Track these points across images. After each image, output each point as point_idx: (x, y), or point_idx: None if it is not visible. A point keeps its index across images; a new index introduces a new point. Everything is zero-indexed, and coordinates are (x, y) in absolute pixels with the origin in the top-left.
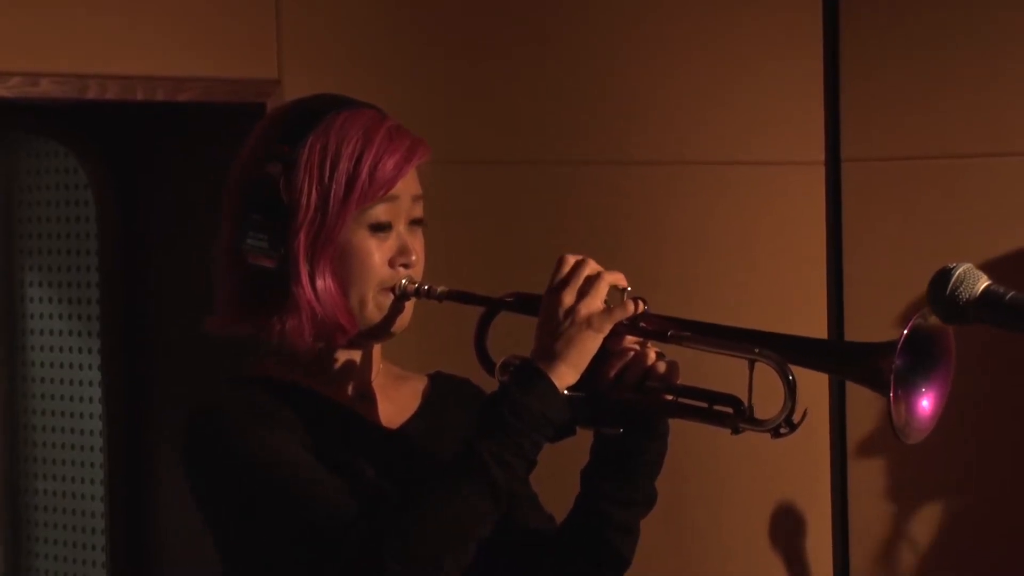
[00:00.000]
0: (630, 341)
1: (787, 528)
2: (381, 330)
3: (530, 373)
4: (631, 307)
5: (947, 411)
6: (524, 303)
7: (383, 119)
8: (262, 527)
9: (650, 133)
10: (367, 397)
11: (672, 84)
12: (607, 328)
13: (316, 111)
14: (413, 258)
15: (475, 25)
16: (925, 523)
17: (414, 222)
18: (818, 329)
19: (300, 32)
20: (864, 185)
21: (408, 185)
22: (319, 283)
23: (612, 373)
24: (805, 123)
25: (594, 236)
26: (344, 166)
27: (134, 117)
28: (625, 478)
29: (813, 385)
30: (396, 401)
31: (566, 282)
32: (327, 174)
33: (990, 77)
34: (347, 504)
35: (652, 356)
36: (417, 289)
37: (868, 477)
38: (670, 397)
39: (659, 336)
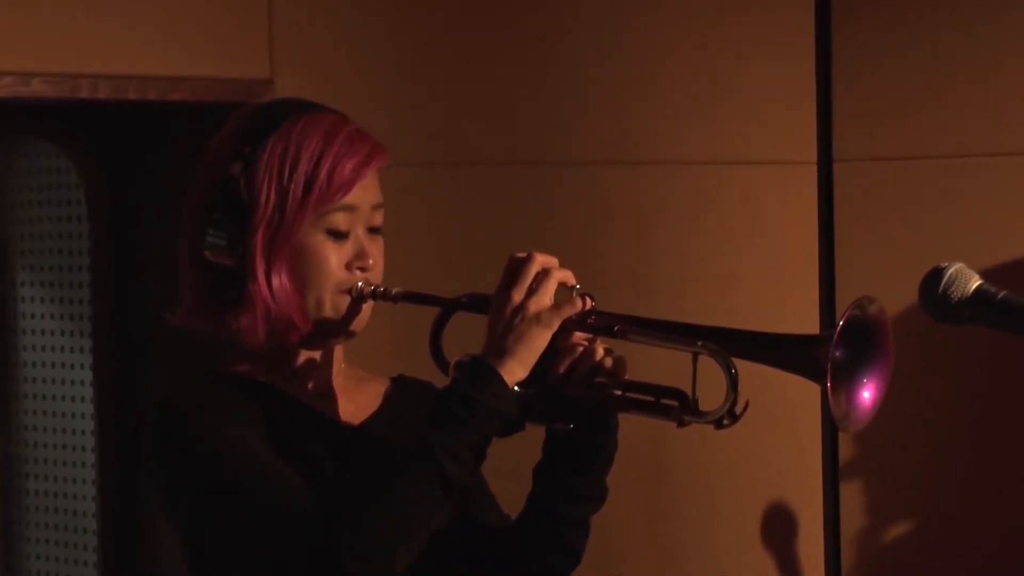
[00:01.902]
0: (579, 337)
1: (779, 529)
2: (339, 331)
3: (480, 369)
4: (579, 303)
5: (941, 412)
6: (478, 303)
7: (345, 123)
8: (222, 520)
9: (641, 133)
10: (328, 396)
11: (663, 84)
12: (556, 324)
13: (279, 113)
14: (370, 262)
15: (467, 26)
16: (917, 525)
17: (373, 229)
18: (810, 329)
19: (292, 32)
20: (856, 185)
21: (368, 194)
22: (275, 281)
23: (561, 369)
24: (797, 123)
25: (585, 238)
26: (303, 167)
27: (127, 117)
28: (578, 473)
29: (805, 386)
30: (357, 401)
31: (515, 280)
32: (286, 175)
33: (982, 77)
34: (306, 499)
35: (600, 352)
36: (373, 291)
37: (860, 478)
38: (618, 392)
39: (606, 332)
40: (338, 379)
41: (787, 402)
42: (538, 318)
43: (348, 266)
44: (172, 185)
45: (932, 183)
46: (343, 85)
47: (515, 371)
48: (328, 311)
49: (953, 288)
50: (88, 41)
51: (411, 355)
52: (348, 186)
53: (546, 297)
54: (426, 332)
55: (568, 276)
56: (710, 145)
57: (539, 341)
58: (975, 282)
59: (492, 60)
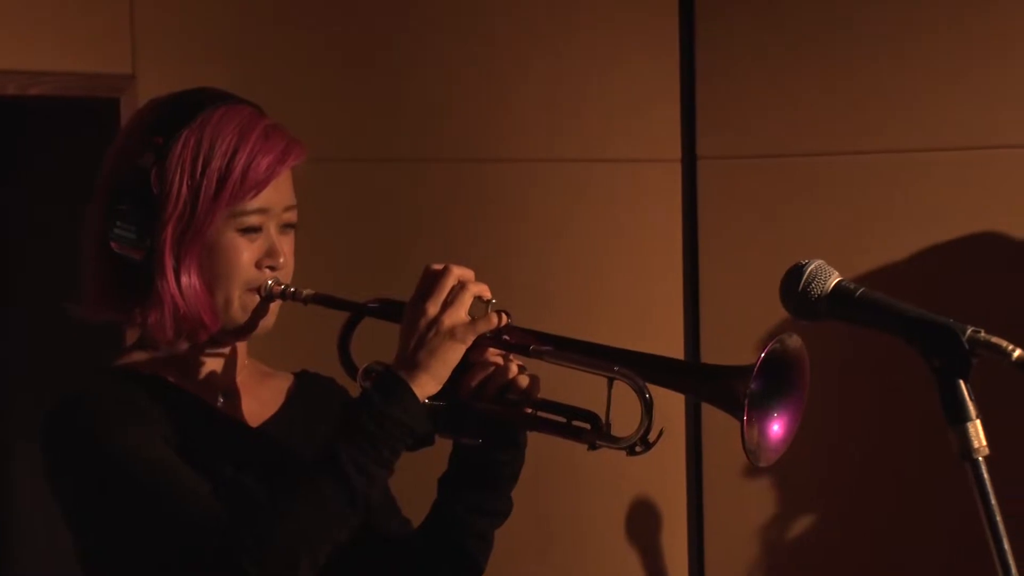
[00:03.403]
0: (492, 353)
1: (643, 523)
2: (245, 330)
3: (392, 382)
4: (494, 320)
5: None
6: (388, 310)
7: (260, 117)
8: (123, 527)
9: (508, 130)
10: (231, 394)
11: (530, 82)
12: (470, 340)
13: (193, 104)
14: (281, 260)
15: (329, 23)
16: (778, 517)
17: (285, 226)
18: (674, 324)
19: (154, 27)
20: (719, 182)
21: (281, 195)
22: (184, 279)
23: (473, 383)
24: (661, 121)
25: (451, 234)
26: (217, 163)
27: None
28: (484, 488)
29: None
30: (260, 398)
31: (430, 292)
32: (199, 170)
33: (843, 77)
34: (209, 506)
35: (514, 369)
36: (283, 291)
37: (723, 471)
38: (530, 410)
39: (521, 350)
40: (241, 376)
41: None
42: (452, 332)
43: (258, 264)
44: (32, 179)
45: (794, 181)
46: (206, 81)
47: (427, 386)
48: (236, 310)
49: (813, 285)
50: None
51: (319, 352)
52: (262, 184)
53: (461, 311)
54: (335, 330)
55: (484, 290)
56: (576, 142)
57: (452, 356)
58: (834, 279)
59: (356, 57)
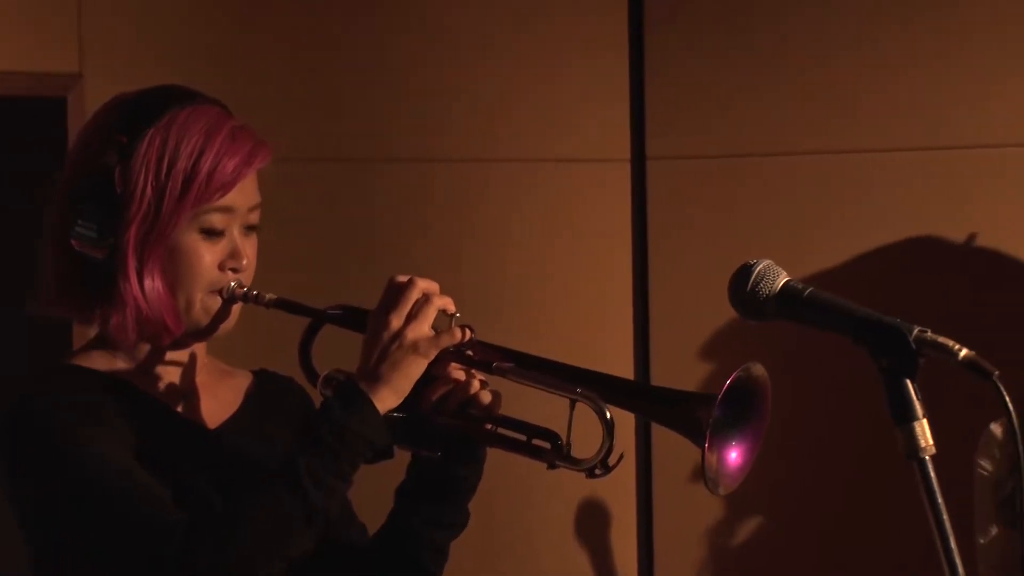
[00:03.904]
0: (455, 368)
1: (593, 526)
2: (206, 332)
3: (353, 394)
4: (458, 334)
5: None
6: (350, 318)
7: (227, 118)
8: (78, 531)
9: (456, 130)
10: (189, 395)
11: (479, 81)
12: (433, 354)
13: (159, 103)
14: (244, 262)
15: (275, 22)
16: (728, 517)
17: (249, 227)
18: (624, 325)
19: (102, 25)
20: (668, 182)
21: (247, 196)
22: (147, 282)
23: (434, 397)
24: (611, 121)
25: (398, 233)
26: (182, 164)
27: None
28: (442, 501)
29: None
30: (219, 398)
31: (394, 304)
32: (164, 171)
33: (791, 78)
34: (167, 512)
35: (476, 385)
36: (246, 294)
37: (672, 473)
38: (490, 427)
39: (483, 366)
40: (200, 376)
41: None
42: (415, 346)
43: (221, 266)
44: None
45: (743, 181)
46: (153, 80)
47: (388, 399)
48: (198, 312)
49: (761, 285)
50: None
51: (280, 351)
52: (228, 186)
53: (425, 325)
54: (296, 330)
55: (448, 303)
56: (526, 142)
57: (415, 370)
58: (782, 279)
59: (304, 56)
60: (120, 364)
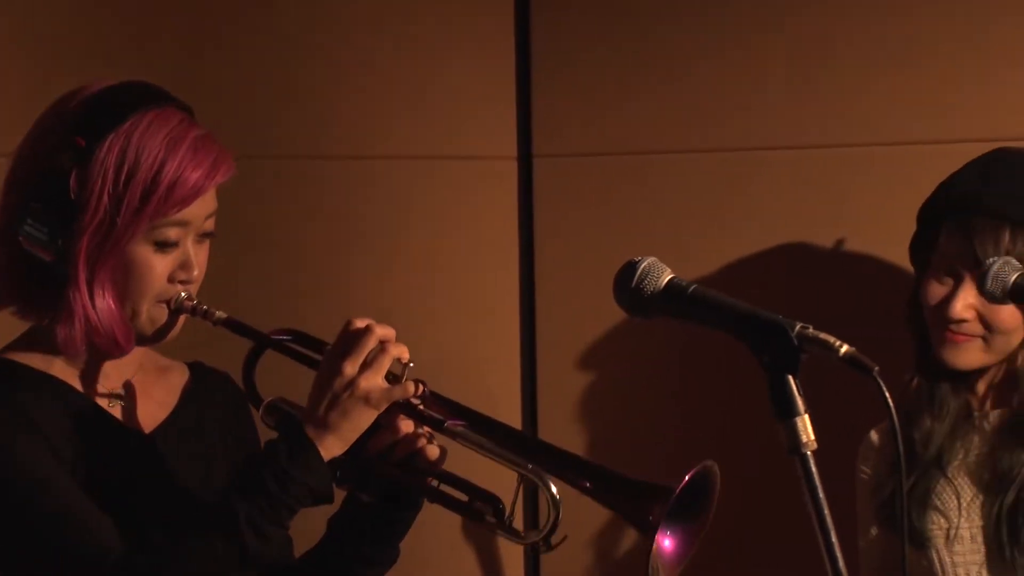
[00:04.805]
0: (404, 418)
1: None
2: (149, 340)
3: (299, 441)
4: (411, 388)
5: (645, 409)
6: (294, 350)
7: (191, 126)
8: (15, 559)
9: (343, 128)
10: (125, 396)
11: (365, 79)
12: (384, 406)
13: (121, 105)
14: (195, 273)
15: (167, 21)
16: (616, 519)
17: (204, 235)
18: (510, 321)
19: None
20: (555, 180)
21: (205, 205)
22: (98, 297)
23: (381, 445)
24: (498, 119)
25: (286, 230)
26: (142, 176)
27: None
28: (376, 541)
29: (506, 368)
30: (155, 398)
31: (349, 351)
32: (122, 181)
33: (675, 77)
34: (100, 540)
35: (423, 440)
36: (194, 308)
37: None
38: (434, 483)
39: (434, 423)
40: (137, 375)
41: (487, 387)
42: (367, 397)
43: (171, 277)
44: None
45: (629, 179)
46: (37, 80)
47: (334, 448)
48: (143, 321)
49: (646, 282)
50: None
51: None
52: (187, 200)
53: (379, 375)
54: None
55: (403, 352)
56: (412, 140)
57: (364, 420)
58: (667, 276)
59: (191, 54)
60: (57, 363)
